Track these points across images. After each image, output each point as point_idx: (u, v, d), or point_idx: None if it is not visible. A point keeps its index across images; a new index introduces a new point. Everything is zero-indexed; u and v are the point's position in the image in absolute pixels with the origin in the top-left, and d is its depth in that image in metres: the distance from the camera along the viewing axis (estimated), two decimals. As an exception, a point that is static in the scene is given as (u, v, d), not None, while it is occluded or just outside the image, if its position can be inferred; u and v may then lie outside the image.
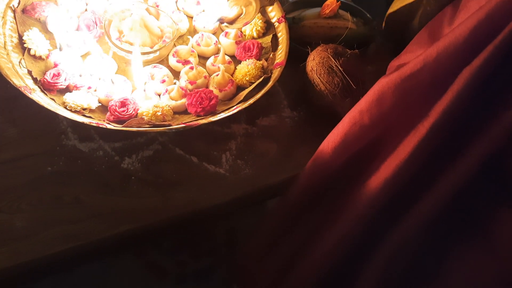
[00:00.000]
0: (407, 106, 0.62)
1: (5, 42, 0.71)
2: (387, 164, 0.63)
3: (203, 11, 0.86)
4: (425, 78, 0.59)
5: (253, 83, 0.77)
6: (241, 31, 0.84)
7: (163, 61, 0.79)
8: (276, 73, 0.77)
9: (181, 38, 0.84)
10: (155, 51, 0.77)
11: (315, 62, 0.77)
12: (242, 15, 0.72)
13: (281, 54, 0.80)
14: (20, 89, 0.65)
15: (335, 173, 0.69)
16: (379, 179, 0.63)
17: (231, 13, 0.71)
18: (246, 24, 0.74)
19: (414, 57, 0.62)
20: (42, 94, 0.68)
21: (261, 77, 0.78)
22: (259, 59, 0.81)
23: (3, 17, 0.74)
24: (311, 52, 0.80)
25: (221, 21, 0.71)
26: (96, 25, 0.78)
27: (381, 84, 0.63)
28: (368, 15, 0.94)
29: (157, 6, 0.83)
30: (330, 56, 0.76)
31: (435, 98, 0.57)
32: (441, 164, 0.60)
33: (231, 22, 0.72)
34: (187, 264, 1.09)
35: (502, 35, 0.51)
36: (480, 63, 0.53)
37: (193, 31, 0.85)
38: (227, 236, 1.14)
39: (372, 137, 0.66)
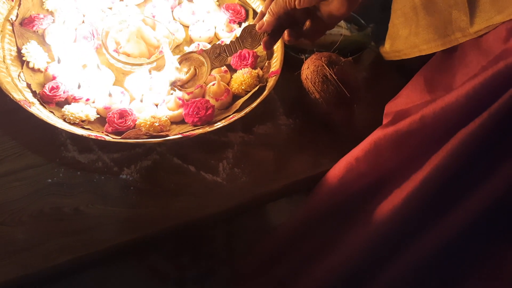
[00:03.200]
0: (403, 158, 0.65)
1: (4, 56, 0.72)
2: (381, 208, 0.66)
3: (199, 20, 0.87)
4: (422, 136, 0.62)
5: (249, 91, 0.79)
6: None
7: (159, 69, 0.80)
8: (271, 82, 0.79)
9: (177, 48, 0.85)
10: (152, 62, 0.78)
11: (310, 71, 0.78)
12: (195, 77, 0.73)
13: (276, 63, 0.82)
14: (19, 103, 0.66)
15: (333, 207, 0.73)
16: (374, 221, 0.66)
17: (184, 75, 0.72)
18: (198, 87, 0.74)
19: (409, 103, 0.66)
20: (41, 107, 0.69)
21: (256, 85, 0.79)
22: (254, 68, 0.82)
23: (1, 31, 0.75)
24: (305, 60, 0.81)
25: (174, 83, 0.72)
26: (94, 36, 0.79)
27: (378, 136, 0.66)
28: (362, 21, 0.96)
29: (154, 16, 0.84)
30: (324, 64, 0.77)
31: (430, 154, 0.60)
32: (431, 215, 0.63)
33: (184, 84, 0.73)
34: (187, 268, 1.10)
35: (498, 104, 0.54)
36: (476, 127, 0.56)
37: (189, 41, 0.87)
38: (227, 239, 1.15)
39: (367, 182, 0.69)
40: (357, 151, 0.69)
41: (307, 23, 0.68)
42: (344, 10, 0.64)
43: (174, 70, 0.72)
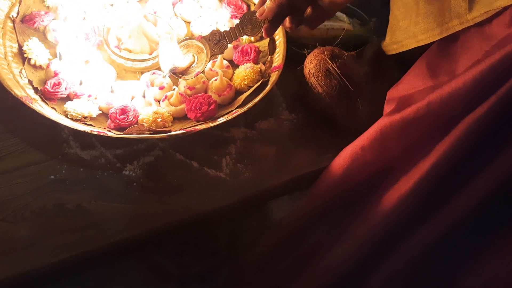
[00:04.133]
0: (409, 146, 0.64)
1: (5, 53, 0.72)
2: (388, 196, 0.65)
3: (200, 16, 0.86)
4: (428, 122, 0.61)
5: (251, 87, 0.78)
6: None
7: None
8: (274, 77, 0.78)
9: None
10: (154, 57, 0.77)
11: (313, 65, 0.78)
12: (194, 63, 0.72)
13: (278, 58, 0.81)
14: (21, 99, 0.65)
15: (337, 198, 0.72)
16: (379, 211, 0.66)
17: (184, 62, 0.71)
18: (198, 74, 0.73)
19: (412, 88, 0.66)
20: (43, 104, 0.69)
21: (259, 81, 0.78)
22: (257, 63, 0.81)
23: (2, 28, 0.74)
24: (308, 55, 0.81)
25: (173, 71, 0.71)
26: (95, 33, 0.79)
27: (384, 124, 0.65)
28: (364, 15, 0.95)
29: (155, 12, 0.84)
30: (327, 58, 0.77)
31: (437, 140, 0.60)
32: (438, 202, 0.62)
33: (184, 71, 0.72)
34: (190, 266, 1.10)
35: (506, 87, 0.53)
36: (483, 112, 0.55)
37: (190, 36, 0.86)
38: (229, 237, 1.15)
39: (373, 171, 0.68)
40: (362, 140, 0.68)
41: (308, 10, 0.68)
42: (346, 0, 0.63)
43: (172, 58, 0.71)
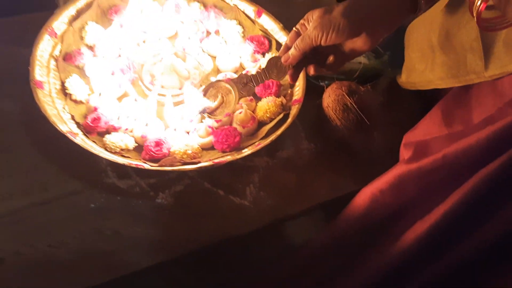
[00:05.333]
0: (426, 192, 0.69)
1: (50, 90, 0.79)
2: (405, 235, 0.70)
3: (225, 51, 0.93)
4: (444, 173, 0.67)
5: (273, 119, 0.84)
6: (260, 69, 0.91)
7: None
8: (294, 110, 0.84)
9: (206, 77, 0.91)
10: (184, 92, 0.84)
11: (331, 99, 0.83)
12: (223, 104, 0.78)
13: (298, 91, 0.87)
14: (66, 134, 0.72)
15: (356, 232, 0.78)
16: (396, 247, 0.71)
17: (213, 103, 0.76)
18: (227, 115, 0.79)
19: (428, 134, 0.72)
20: (84, 137, 0.75)
21: (280, 113, 0.84)
22: (278, 96, 0.87)
23: (47, 66, 0.81)
24: (326, 88, 0.86)
25: (204, 111, 0.77)
26: (130, 69, 0.85)
27: (402, 171, 0.71)
28: (379, 48, 1.00)
29: (184, 49, 0.90)
30: (344, 94, 0.82)
31: (451, 189, 0.64)
32: (450, 245, 0.67)
33: (213, 111, 0.77)
34: (205, 279, 1.13)
35: None
36: (495, 167, 0.60)
37: (216, 70, 0.92)
38: (242, 252, 1.18)
39: (391, 212, 0.73)
40: (381, 183, 0.74)
41: (330, 57, 0.73)
42: (367, 48, 0.69)
43: (202, 99, 0.77)
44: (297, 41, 0.71)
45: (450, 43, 0.72)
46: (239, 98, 0.78)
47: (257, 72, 0.78)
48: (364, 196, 0.75)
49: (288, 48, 0.74)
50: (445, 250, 0.67)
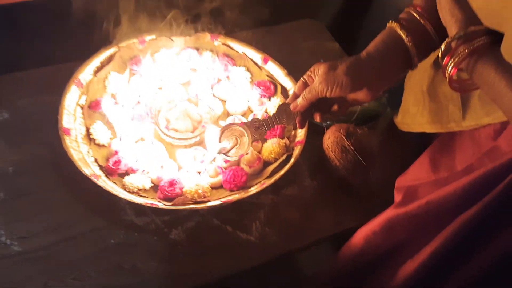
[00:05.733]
0: (413, 234, 0.75)
1: (76, 136, 0.88)
2: (397, 274, 0.76)
3: (235, 96, 1.01)
4: (428, 217, 0.73)
5: (277, 159, 0.91)
6: (266, 112, 0.99)
7: (202, 142, 0.94)
8: (297, 151, 0.91)
9: (216, 121, 0.99)
10: (196, 136, 0.92)
11: (330, 141, 0.90)
12: (237, 146, 0.84)
13: (301, 133, 0.94)
14: (90, 177, 0.80)
15: (354, 268, 0.84)
16: (389, 285, 0.76)
17: (228, 144, 0.83)
18: (242, 156, 0.86)
19: (416, 180, 0.78)
20: (106, 179, 0.84)
21: (284, 154, 0.91)
22: (282, 138, 0.94)
23: (73, 114, 0.91)
24: (326, 130, 0.93)
25: (220, 152, 0.83)
26: (148, 115, 0.94)
27: (391, 215, 0.77)
28: (378, 90, 1.07)
29: (196, 95, 0.99)
30: (343, 136, 0.89)
31: (436, 232, 0.70)
32: (436, 283, 0.73)
33: (228, 153, 0.84)
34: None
35: (489, 197, 0.64)
36: (472, 214, 0.65)
37: (226, 114, 1.01)
38: (250, 279, 1.22)
39: (384, 251, 0.79)
40: (374, 225, 0.80)
41: (335, 106, 0.80)
42: (368, 99, 0.76)
43: (219, 141, 0.84)
44: (304, 91, 0.78)
45: (436, 92, 0.79)
46: (252, 141, 0.85)
47: (269, 117, 0.85)
48: (359, 236, 0.80)
49: (296, 96, 0.80)
50: (433, 286, 0.72)
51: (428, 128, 0.82)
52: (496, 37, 0.55)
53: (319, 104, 0.80)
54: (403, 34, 0.71)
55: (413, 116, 0.87)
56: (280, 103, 0.98)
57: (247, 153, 0.89)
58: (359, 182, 0.91)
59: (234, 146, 0.85)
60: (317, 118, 0.81)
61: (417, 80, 0.86)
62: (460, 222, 0.66)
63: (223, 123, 0.96)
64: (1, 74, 1.00)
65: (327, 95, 0.75)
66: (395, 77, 0.76)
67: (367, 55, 0.73)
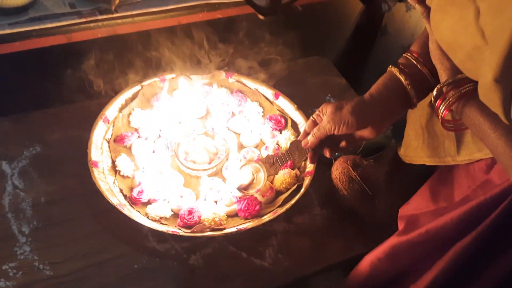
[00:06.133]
0: (416, 260, 0.81)
1: (103, 168, 0.96)
2: None
3: (248, 129, 1.09)
4: (428, 245, 0.79)
5: (289, 189, 0.98)
6: (278, 145, 1.06)
7: (218, 172, 1.01)
8: (307, 181, 0.97)
9: (230, 153, 1.06)
10: (213, 167, 0.99)
11: (338, 172, 0.97)
12: (254, 181, 0.91)
13: (310, 165, 1.01)
14: (116, 207, 0.88)
15: None
16: None
17: (246, 180, 0.90)
18: (258, 191, 0.93)
19: (418, 209, 0.84)
20: (130, 208, 0.91)
21: (295, 184, 0.98)
22: (293, 169, 1.01)
23: (101, 148, 0.99)
24: (334, 162, 1.00)
25: (239, 188, 0.91)
26: (168, 148, 1.02)
27: (395, 242, 0.83)
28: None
29: (213, 129, 1.07)
30: (350, 167, 0.96)
31: (436, 258, 0.77)
32: None
33: (246, 188, 0.91)
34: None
35: (482, 226, 0.70)
36: (468, 241, 0.72)
37: (240, 146, 1.08)
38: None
39: (388, 277, 0.85)
40: (379, 252, 0.86)
41: (343, 143, 0.87)
42: (372, 136, 0.83)
43: (238, 176, 0.91)
44: (314, 129, 0.85)
45: (433, 129, 0.85)
46: (268, 176, 0.92)
47: (282, 153, 0.92)
48: (366, 262, 0.86)
49: (306, 133, 0.87)
50: None
51: (428, 162, 0.88)
52: None
53: (329, 141, 0.86)
54: (402, 78, 0.78)
55: (414, 150, 0.93)
56: (291, 136, 1.06)
57: (260, 190, 0.96)
58: (366, 210, 0.96)
59: (251, 182, 0.92)
60: (327, 154, 0.87)
61: (417, 116, 0.93)
62: (457, 250, 0.71)
63: (237, 155, 1.03)
64: (34, 110, 1.10)
65: (335, 132, 0.82)
66: (396, 115, 0.83)
67: (370, 96, 0.81)
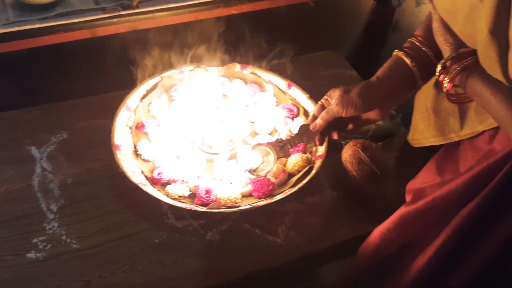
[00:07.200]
0: (423, 229, 0.85)
1: (125, 152, 1.02)
2: (411, 267, 0.85)
3: (261, 118, 1.14)
4: (435, 212, 0.82)
5: (300, 171, 1.02)
6: (290, 132, 1.11)
7: (233, 156, 1.06)
8: (318, 164, 1.02)
9: (244, 140, 1.11)
10: (228, 152, 1.05)
11: (348, 154, 1.01)
12: (264, 164, 0.96)
13: (321, 148, 1.05)
14: (138, 185, 0.93)
15: (372, 265, 0.93)
16: (404, 279, 0.85)
17: (256, 163, 0.95)
18: (268, 172, 0.97)
19: (425, 183, 0.88)
20: (151, 187, 0.97)
21: (306, 167, 1.02)
22: (305, 153, 1.06)
23: (123, 133, 1.05)
24: (344, 146, 1.04)
25: (249, 170, 0.96)
26: (186, 134, 1.07)
27: (402, 212, 0.87)
28: (393, 111, 1.17)
29: (228, 117, 1.12)
30: (359, 150, 1.00)
31: (443, 225, 0.80)
32: (446, 273, 0.81)
33: (256, 170, 0.96)
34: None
35: (486, 190, 0.73)
36: (472, 207, 0.75)
37: (254, 133, 1.13)
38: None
39: (398, 247, 0.88)
40: (388, 223, 0.89)
41: (350, 125, 0.91)
42: (379, 118, 0.87)
43: (248, 159, 0.96)
44: (322, 112, 0.89)
45: (438, 108, 0.89)
46: (277, 159, 0.96)
47: (291, 137, 0.96)
48: (375, 234, 0.89)
49: (315, 117, 0.92)
50: (443, 280, 0.80)
51: (434, 141, 0.92)
52: None
53: (336, 124, 0.91)
54: (407, 60, 0.82)
55: (421, 133, 0.97)
56: (303, 123, 1.10)
57: (270, 171, 1.00)
58: (374, 191, 1.00)
59: (261, 164, 0.97)
60: (335, 136, 0.92)
61: (422, 100, 0.97)
62: (463, 215, 0.75)
63: (251, 141, 1.08)
64: (62, 101, 1.17)
65: (343, 115, 0.86)
66: (401, 98, 0.87)
67: (376, 79, 0.85)
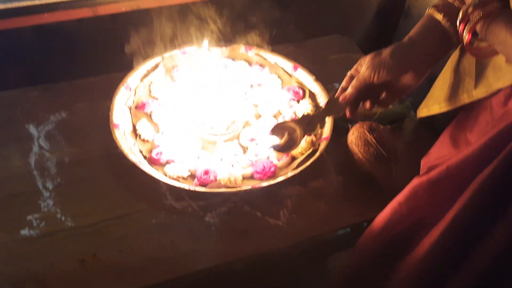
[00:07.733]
0: (436, 201, 0.79)
1: (124, 131, 0.99)
2: (423, 243, 0.80)
3: (266, 100, 1.10)
4: (449, 182, 0.77)
5: (304, 154, 0.98)
6: (295, 114, 1.07)
7: (234, 138, 1.03)
8: (322, 146, 0.98)
9: (247, 122, 1.08)
10: (230, 133, 1.01)
11: (354, 136, 0.97)
12: (289, 141, 0.90)
13: (326, 130, 1.01)
14: (135, 164, 0.91)
15: (383, 243, 0.87)
16: (417, 255, 0.80)
17: (279, 140, 0.90)
18: (294, 148, 0.92)
19: (440, 158, 0.82)
20: (149, 167, 0.94)
21: (310, 149, 0.99)
22: (309, 135, 1.02)
23: (122, 112, 1.03)
24: (351, 127, 1.00)
25: (274, 148, 0.90)
26: (187, 115, 1.04)
27: (415, 184, 0.81)
28: (402, 95, 1.13)
29: (232, 99, 1.09)
30: (366, 131, 0.96)
31: (457, 196, 0.74)
32: (462, 248, 0.76)
33: (281, 147, 0.90)
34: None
35: (503, 154, 0.68)
36: (489, 173, 0.70)
37: (258, 116, 1.10)
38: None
39: (410, 222, 0.83)
40: (400, 197, 0.85)
41: (383, 94, 0.86)
42: (414, 83, 0.82)
43: (270, 137, 0.92)
44: (352, 81, 0.84)
45: (458, 68, 0.85)
46: (304, 135, 0.92)
47: (318, 111, 0.91)
48: (387, 209, 0.85)
49: (344, 89, 0.86)
50: (460, 254, 0.75)
51: (444, 106, 0.87)
52: (505, 2, 0.63)
53: (368, 94, 0.85)
54: (440, 17, 0.78)
55: (435, 98, 0.91)
56: (309, 106, 1.06)
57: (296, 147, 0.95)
58: (380, 174, 0.96)
59: (285, 142, 0.91)
60: (367, 105, 0.86)
61: (448, 65, 0.91)
62: (479, 182, 0.70)
63: (254, 123, 1.05)
64: (62, 81, 1.15)
65: (375, 80, 0.81)
66: (437, 58, 0.82)
67: (409, 39, 0.81)
